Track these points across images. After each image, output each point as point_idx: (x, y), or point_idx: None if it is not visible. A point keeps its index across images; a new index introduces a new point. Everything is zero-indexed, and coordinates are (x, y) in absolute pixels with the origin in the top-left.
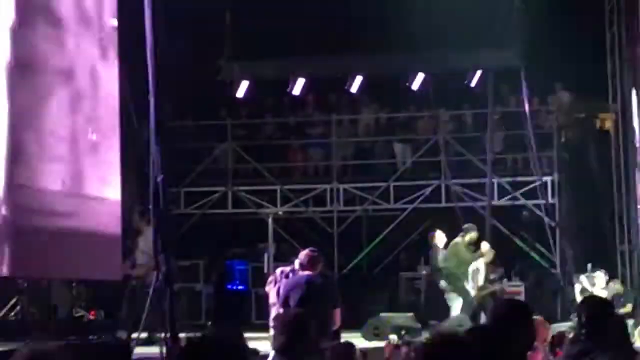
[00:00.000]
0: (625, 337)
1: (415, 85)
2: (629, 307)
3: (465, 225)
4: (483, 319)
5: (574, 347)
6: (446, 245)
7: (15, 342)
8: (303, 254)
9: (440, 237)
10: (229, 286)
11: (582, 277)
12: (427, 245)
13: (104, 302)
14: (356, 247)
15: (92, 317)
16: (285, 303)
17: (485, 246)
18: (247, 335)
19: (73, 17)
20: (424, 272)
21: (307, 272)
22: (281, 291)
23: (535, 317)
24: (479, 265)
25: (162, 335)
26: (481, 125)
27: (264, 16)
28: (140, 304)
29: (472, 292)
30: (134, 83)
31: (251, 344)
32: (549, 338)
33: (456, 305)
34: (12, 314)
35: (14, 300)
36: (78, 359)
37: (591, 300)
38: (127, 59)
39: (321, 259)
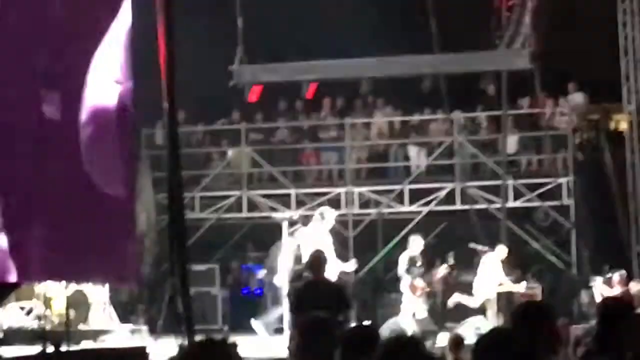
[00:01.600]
0: None
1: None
2: None
3: (412, 238)
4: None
5: (582, 349)
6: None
7: (32, 347)
8: (310, 256)
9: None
10: (245, 290)
11: (598, 279)
12: (442, 248)
13: (120, 307)
14: (371, 250)
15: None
16: (295, 308)
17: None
18: (261, 338)
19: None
20: (440, 274)
21: (315, 276)
22: (291, 296)
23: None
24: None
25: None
26: (495, 127)
27: (276, 20)
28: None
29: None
30: (147, 88)
31: (266, 347)
32: (572, 340)
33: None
34: (30, 318)
35: (31, 305)
36: None
37: (609, 301)
38: (141, 64)
39: (327, 261)
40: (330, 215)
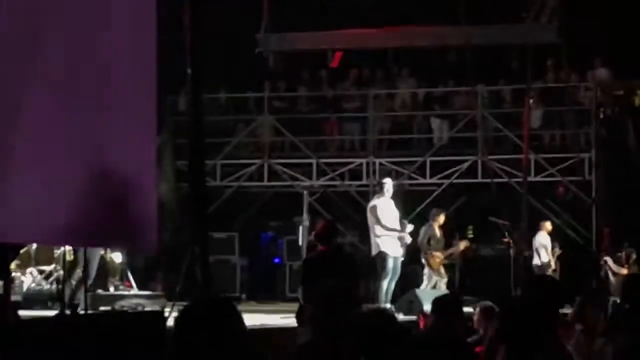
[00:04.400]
0: None
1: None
2: None
3: (434, 210)
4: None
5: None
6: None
7: (50, 311)
8: (319, 226)
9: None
10: (264, 259)
11: (607, 258)
12: (462, 221)
13: (138, 272)
14: None
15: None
16: (306, 279)
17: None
18: (280, 307)
19: None
20: (459, 248)
21: (323, 248)
22: (302, 267)
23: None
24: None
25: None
26: (519, 100)
27: None
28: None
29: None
30: (171, 54)
31: (284, 317)
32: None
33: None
34: (48, 282)
35: (50, 269)
36: (114, 328)
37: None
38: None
39: (337, 230)
40: (388, 184)
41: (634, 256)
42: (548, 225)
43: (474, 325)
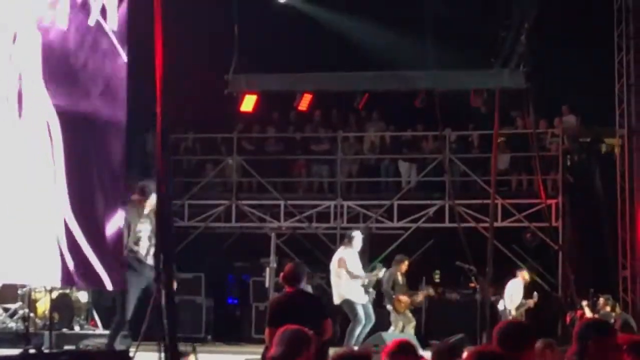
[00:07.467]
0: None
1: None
2: None
3: (398, 257)
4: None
5: None
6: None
7: (14, 349)
8: (286, 268)
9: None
10: (230, 300)
11: (584, 303)
12: (429, 265)
13: (103, 312)
14: None
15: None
16: (271, 322)
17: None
18: (245, 349)
19: None
20: (425, 291)
21: (290, 289)
22: (267, 310)
23: (545, 340)
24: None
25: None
26: (487, 145)
27: (272, 30)
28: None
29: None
30: (140, 93)
31: (250, 358)
32: None
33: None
34: (12, 320)
35: (15, 307)
36: None
37: (590, 322)
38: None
39: (305, 272)
40: (358, 239)
41: (610, 303)
42: (525, 274)
43: None
